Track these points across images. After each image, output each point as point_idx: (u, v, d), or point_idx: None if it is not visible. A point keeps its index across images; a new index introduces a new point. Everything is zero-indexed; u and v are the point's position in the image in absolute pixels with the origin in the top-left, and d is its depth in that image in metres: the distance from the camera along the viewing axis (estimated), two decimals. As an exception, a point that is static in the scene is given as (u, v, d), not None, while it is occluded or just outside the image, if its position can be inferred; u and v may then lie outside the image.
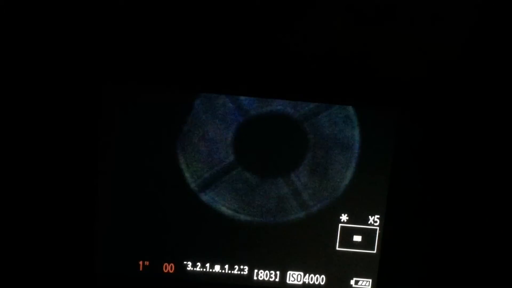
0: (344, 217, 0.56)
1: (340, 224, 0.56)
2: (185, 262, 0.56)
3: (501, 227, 0.55)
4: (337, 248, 0.56)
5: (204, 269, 0.56)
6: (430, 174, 0.54)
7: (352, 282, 0.57)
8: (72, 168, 0.53)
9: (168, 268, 0.56)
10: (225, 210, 0.55)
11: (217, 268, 0.56)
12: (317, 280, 0.57)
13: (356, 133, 0.54)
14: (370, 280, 0.57)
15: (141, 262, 0.56)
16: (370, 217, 0.56)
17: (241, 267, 0.56)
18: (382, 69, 0.53)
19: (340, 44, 0.52)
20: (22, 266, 0.55)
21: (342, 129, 0.53)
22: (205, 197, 0.55)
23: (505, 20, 0.51)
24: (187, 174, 0.54)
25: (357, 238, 0.56)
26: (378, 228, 0.56)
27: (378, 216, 0.55)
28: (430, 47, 0.52)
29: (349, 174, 0.54)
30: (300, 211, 0.55)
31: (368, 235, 0.56)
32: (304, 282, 0.57)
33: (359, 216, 0.56)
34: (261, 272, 0.57)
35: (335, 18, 0.50)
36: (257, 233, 0.55)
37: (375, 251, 0.56)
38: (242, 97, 0.53)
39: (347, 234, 0.56)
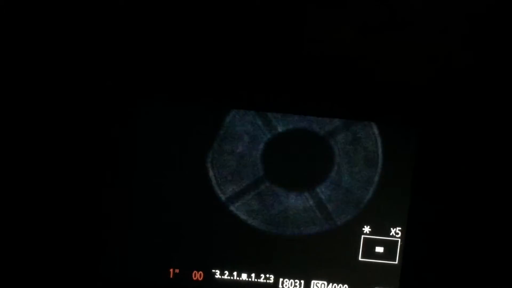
0: (367, 229, 0.58)
1: (363, 236, 0.58)
2: (213, 270, 0.59)
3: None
4: (360, 259, 0.58)
5: (232, 277, 0.59)
6: (450, 187, 0.57)
7: (374, 291, 0.59)
8: (107, 180, 0.56)
9: (198, 276, 0.59)
10: (252, 221, 0.57)
11: (244, 276, 0.59)
12: (340, 289, 0.59)
13: (379, 149, 0.56)
14: (392, 290, 0.59)
15: (171, 270, 0.59)
16: (392, 229, 0.58)
17: (267, 275, 0.59)
18: (404, 85, 0.55)
19: (361, 61, 0.54)
20: (46, 273, 0.57)
21: (365, 145, 0.56)
22: (233, 208, 0.57)
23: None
24: (216, 188, 0.56)
25: (379, 249, 0.58)
26: (399, 239, 0.58)
27: (400, 228, 0.58)
28: (446, 60, 0.54)
29: (372, 188, 0.56)
30: (325, 223, 0.57)
31: (390, 246, 0.58)
32: (327, 291, 0.59)
33: (381, 228, 0.58)
34: (286, 281, 0.59)
35: (356, 33, 0.53)
36: (283, 244, 0.58)
37: (396, 262, 0.58)
38: (270, 114, 0.55)
39: (370, 245, 0.58)
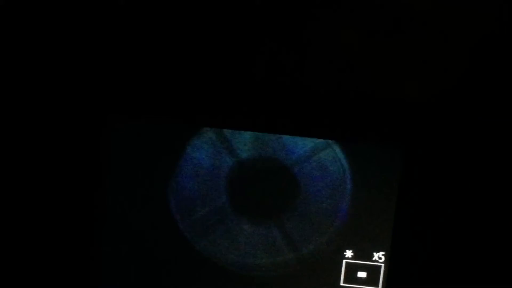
0: (349, 253, 0.56)
1: (344, 260, 0.56)
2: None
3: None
4: (342, 284, 0.56)
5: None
6: (435, 210, 0.55)
7: (357, 317, 0.57)
8: (72, 198, 0.54)
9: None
10: (214, 251, 0.54)
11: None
12: (322, 315, 0.57)
13: (347, 173, 0.54)
14: (375, 316, 0.57)
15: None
16: (375, 253, 0.56)
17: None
18: (386, 104, 0.53)
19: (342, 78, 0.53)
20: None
21: (331, 171, 0.54)
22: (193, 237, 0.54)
23: None
24: (177, 215, 0.54)
25: (362, 274, 0.56)
26: (383, 264, 0.56)
27: (383, 253, 0.56)
28: (433, 78, 0.53)
29: (341, 215, 0.54)
30: (290, 252, 0.55)
31: (373, 271, 0.56)
32: (308, 317, 0.57)
33: (364, 253, 0.56)
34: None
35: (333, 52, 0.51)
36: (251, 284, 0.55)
37: (379, 288, 0.56)
38: (233, 141, 0.53)
39: (352, 270, 0.56)
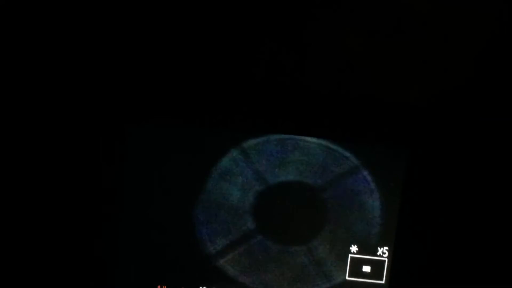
0: (354, 248, 0.58)
1: (350, 255, 0.58)
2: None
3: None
4: (347, 278, 0.58)
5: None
6: (437, 208, 0.56)
7: (361, 310, 0.59)
8: (93, 199, 0.57)
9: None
10: (241, 277, 0.55)
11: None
12: (327, 308, 0.59)
13: (375, 195, 0.55)
14: (378, 309, 0.59)
15: (159, 286, 0.59)
16: (379, 248, 0.57)
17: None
18: (387, 106, 0.54)
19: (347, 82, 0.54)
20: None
21: (359, 194, 0.55)
22: (220, 263, 0.56)
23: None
24: (205, 239, 0.55)
25: (366, 269, 0.58)
26: (386, 259, 0.57)
27: (387, 248, 0.57)
28: (437, 80, 0.53)
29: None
30: (324, 280, 0.56)
31: (377, 266, 0.58)
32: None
33: (368, 248, 0.57)
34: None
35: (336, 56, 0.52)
36: None
37: (383, 282, 0.58)
38: (260, 167, 0.54)
39: (357, 264, 0.58)
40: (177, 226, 0.56)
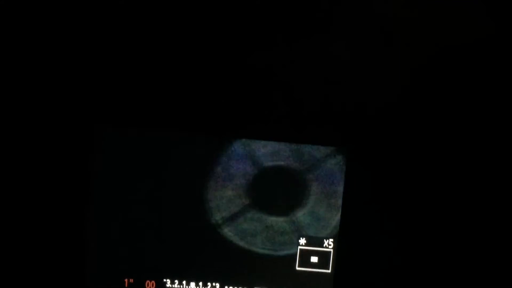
0: (302, 241, 0.64)
1: (299, 247, 0.64)
2: (164, 280, 0.64)
3: (447, 248, 0.63)
4: (297, 268, 0.64)
5: (181, 286, 0.65)
6: (377, 203, 0.63)
7: (311, 297, 0.65)
8: (67, 192, 0.62)
9: (150, 285, 0.65)
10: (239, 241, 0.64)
11: (192, 285, 0.65)
12: (280, 296, 0.65)
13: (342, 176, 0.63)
14: (326, 296, 0.65)
15: (126, 280, 0.65)
16: (325, 240, 0.64)
17: (213, 284, 0.65)
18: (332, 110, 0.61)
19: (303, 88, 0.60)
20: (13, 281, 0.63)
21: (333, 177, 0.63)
22: (224, 231, 0.64)
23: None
24: (211, 214, 0.63)
25: (314, 259, 0.64)
26: (332, 250, 0.64)
27: (332, 240, 0.64)
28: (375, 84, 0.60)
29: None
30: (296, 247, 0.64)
31: (323, 256, 0.64)
32: (268, 298, 0.65)
33: (315, 240, 0.64)
34: (230, 288, 0.65)
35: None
36: (228, 254, 0.64)
37: (329, 270, 0.64)
38: (258, 153, 0.62)
39: (306, 255, 0.64)
40: (149, 226, 0.63)
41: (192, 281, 0.65)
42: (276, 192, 0.63)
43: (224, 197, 0.63)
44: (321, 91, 0.60)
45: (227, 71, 0.60)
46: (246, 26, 0.58)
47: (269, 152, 0.63)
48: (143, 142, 0.62)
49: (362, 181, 0.62)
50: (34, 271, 0.63)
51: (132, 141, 0.62)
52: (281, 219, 0.64)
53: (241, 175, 0.63)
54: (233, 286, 0.65)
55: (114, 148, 0.62)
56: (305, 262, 0.64)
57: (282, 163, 0.63)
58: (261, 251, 0.64)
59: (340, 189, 0.63)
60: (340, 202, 0.63)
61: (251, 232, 0.64)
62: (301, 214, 0.63)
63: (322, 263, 0.64)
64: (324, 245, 0.64)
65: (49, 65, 0.59)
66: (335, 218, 0.64)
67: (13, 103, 0.59)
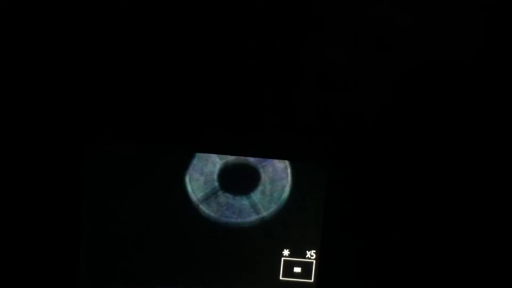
0: (286, 252, 0.66)
1: (283, 258, 0.67)
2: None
3: (428, 259, 0.66)
4: (281, 278, 0.67)
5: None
6: (358, 216, 0.65)
7: (294, 306, 0.68)
8: (59, 205, 0.63)
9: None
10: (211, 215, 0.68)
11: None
12: (264, 305, 0.68)
13: (289, 179, 0.67)
14: (309, 305, 0.68)
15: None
16: (308, 251, 0.66)
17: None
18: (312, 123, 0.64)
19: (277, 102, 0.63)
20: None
21: (281, 176, 0.67)
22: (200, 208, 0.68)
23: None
24: (191, 194, 0.68)
25: (297, 270, 0.67)
26: (314, 261, 0.66)
27: (314, 251, 0.66)
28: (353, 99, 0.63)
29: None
30: (255, 215, 0.68)
31: (306, 267, 0.67)
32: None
33: (298, 251, 0.66)
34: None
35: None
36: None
37: (312, 280, 0.67)
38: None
39: (289, 266, 0.67)
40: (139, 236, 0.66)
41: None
42: (237, 178, 0.68)
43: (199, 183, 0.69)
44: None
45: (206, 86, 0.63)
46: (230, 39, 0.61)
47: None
48: (130, 155, 0.65)
49: (343, 193, 0.65)
50: (24, 283, 0.65)
51: (119, 155, 0.65)
52: (241, 198, 0.68)
53: (210, 166, 0.68)
54: None
55: (104, 161, 0.64)
56: (288, 272, 0.67)
57: (242, 159, 0.68)
58: (226, 219, 0.68)
59: (285, 182, 0.68)
60: (281, 186, 0.68)
61: (220, 209, 0.68)
62: (254, 194, 0.68)
63: (305, 273, 0.67)
64: (307, 256, 0.67)
65: (34, 84, 0.61)
66: (277, 195, 0.68)
67: (5, 118, 0.61)
